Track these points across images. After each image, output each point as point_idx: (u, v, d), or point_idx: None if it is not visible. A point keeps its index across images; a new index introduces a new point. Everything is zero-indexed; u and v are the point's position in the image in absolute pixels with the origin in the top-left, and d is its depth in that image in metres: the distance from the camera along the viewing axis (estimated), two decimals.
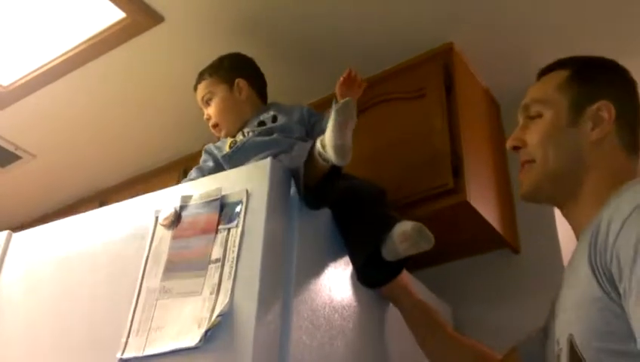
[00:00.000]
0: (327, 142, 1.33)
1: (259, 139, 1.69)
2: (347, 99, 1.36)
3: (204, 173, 1.71)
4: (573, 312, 0.99)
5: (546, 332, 1.21)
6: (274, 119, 1.75)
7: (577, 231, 1.13)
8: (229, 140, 1.74)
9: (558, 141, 1.17)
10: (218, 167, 1.72)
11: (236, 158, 1.67)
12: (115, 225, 1.54)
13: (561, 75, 1.22)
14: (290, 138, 1.68)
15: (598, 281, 0.92)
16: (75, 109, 2.42)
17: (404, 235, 1.40)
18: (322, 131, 1.39)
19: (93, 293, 1.45)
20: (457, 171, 1.83)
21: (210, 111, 1.84)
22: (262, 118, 1.77)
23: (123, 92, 2.34)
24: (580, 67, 1.22)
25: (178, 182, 2.41)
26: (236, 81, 1.85)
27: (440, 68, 2.01)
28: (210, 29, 2.07)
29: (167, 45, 2.12)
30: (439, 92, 1.96)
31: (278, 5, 1.98)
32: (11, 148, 2.63)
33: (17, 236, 1.72)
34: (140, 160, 2.67)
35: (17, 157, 2.68)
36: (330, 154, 1.33)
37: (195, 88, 1.89)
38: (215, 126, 1.83)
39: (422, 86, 2.01)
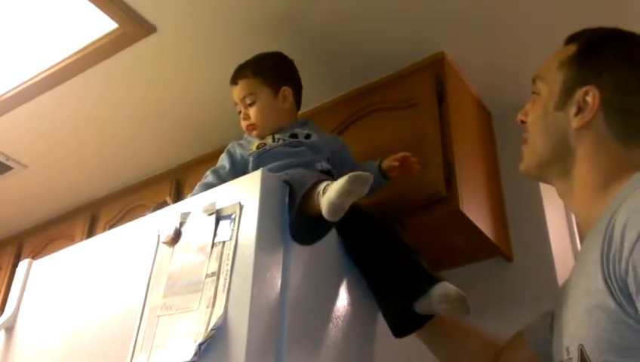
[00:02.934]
0: (327, 192, 1.31)
1: (287, 149, 1.71)
2: (367, 175, 1.31)
3: (221, 176, 1.71)
4: (585, 320, 0.93)
5: (553, 322, 1.15)
6: (307, 137, 1.76)
7: (579, 221, 1.09)
8: (257, 141, 1.75)
9: (545, 124, 1.13)
10: (235, 168, 1.72)
11: (261, 160, 1.68)
12: (122, 247, 1.58)
13: (569, 50, 1.14)
14: (316, 156, 1.71)
15: (611, 293, 0.87)
16: (67, 120, 2.42)
17: (447, 298, 1.39)
18: (344, 168, 1.36)
19: (102, 314, 1.48)
20: (450, 180, 1.83)
21: (251, 112, 1.80)
22: (296, 130, 1.78)
23: (115, 103, 2.34)
24: (587, 44, 1.13)
25: (170, 193, 2.43)
26: (282, 88, 1.83)
27: (432, 77, 2.01)
28: (202, 39, 2.07)
29: (160, 55, 2.12)
30: (431, 101, 1.97)
31: (270, 18, 1.98)
32: (2, 159, 2.62)
33: (37, 263, 1.78)
34: (131, 170, 2.66)
35: (9, 168, 2.67)
36: (324, 205, 1.30)
37: (234, 82, 1.84)
38: (251, 126, 1.80)
39: (414, 95, 2.02)
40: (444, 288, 1.41)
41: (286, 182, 1.42)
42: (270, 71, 1.84)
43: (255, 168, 1.65)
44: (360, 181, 1.29)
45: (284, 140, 1.74)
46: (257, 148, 1.72)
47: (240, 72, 1.85)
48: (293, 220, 1.36)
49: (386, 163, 1.72)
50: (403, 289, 1.44)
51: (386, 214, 1.62)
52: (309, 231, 1.38)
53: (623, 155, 1.04)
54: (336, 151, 1.82)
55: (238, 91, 1.83)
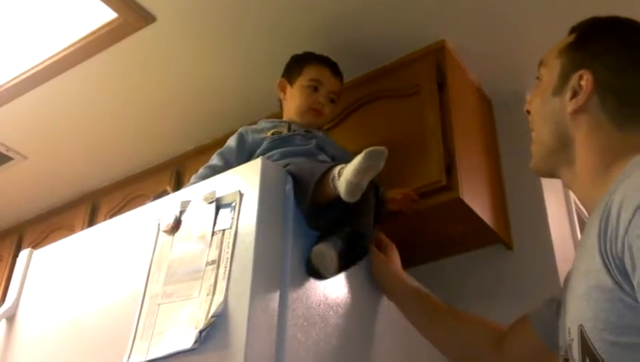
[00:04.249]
0: (343, 174, 1.31)
1: (298, 139, 1.75)
2: (382, 149, 1.30)
3: (225, 157, 1.74)
4: (584, 301, 0.93)
5: (559, 307, 1.15)
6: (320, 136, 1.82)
7: (585, 206, 1.09)
8: (273, 130, 1.77)
9: (545, 111, 1.13)
10: (242, 149, 1.75)
11: (273, 144, 1.72)
12: (123, 236, 1.58)
13: (568, 39, 1.15)
14: (320, 150, 1.74)
15: (609, 271, 0.87)
16: (68, 110, 2.42)
17: (319, 257, 1.35)
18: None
19: (103, 303, 1.49)
20: (450, 168, 1.83)
21: (327, 106, 1.88)
22: (312, 129, 1.83)
23: (115, 93, 2.34)
24: (584, 31, 1.14)
25: (170, 183, 2.43)
26: None
27: (432, 65, 2.01)
28: (202, 29, 2.06)
29: (159, 45, 2.12)
30: (432, 89, 1.97)
31: (268, 8, 1.98)
32: (3, 150, 2.62)
33: (37, 253, 1.78)
34: (132, 161, 2.66)
35: (9, 159, 2.68)
36: (342, 187, 1.30)
37: (337, 74, 1.92)
38: (319, 113, 1.86)
39: (415, 83, 2.01)
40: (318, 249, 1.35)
41: (290, 172, 1.43)
42: None
43: (265, 150, 1.70)
44: (375, 156, 1.29)
45: (299, 133, 1.77)
46: (272, 135, 1.75)
47: (338, 70, 1.94)
48: (308, 210, 1.37)
49: (391, 193, 1.75)
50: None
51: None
52: (325, 218, 1.39)
53: (621, 139, 1.04)
54: (343, 159, 1.83)
55: (336, 83, 1.91)
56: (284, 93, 1.92)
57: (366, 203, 1.46)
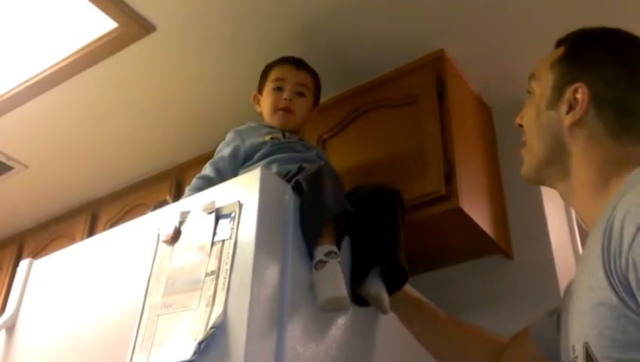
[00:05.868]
0: (318, 286, 1.33)
1: (299, 146, 1.77)
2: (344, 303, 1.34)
3: (219, 168, 1.72)
4: (588, 318, 0.92)
5: (559, 320, 1.15)
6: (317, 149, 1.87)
7: (584, 220, 1.09)
8: (270, 135, 1.77)
9: (539, 124, 1.13)
10: (236, 156, 1.74)
11: (274, 149, 1.72)
12: (122, 246, 1.58)
13: (558, 52, 1.15)
14: (321, 160, 1.78)
15: (613, 288, 0.86)
16: (68, 120, 2.42)
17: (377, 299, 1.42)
18: None
19: (103, 313, 1.49)
20: (449, 177, 1.83)
21: (297, 102, 1.86)
22: (303, 139, 1.85)
23: (115, 102, 2.34)
24: (575, 44, 1.15)
25: (170, 192, 2.43)
26: (316, 107, 1.96)
27: (432, 74, 2.02)
28: (201, 39, 2.07)
29: (159, 55, 2.13)
30: (431, 98, 1.97)
31: (268, 16, 1.99)
32: (3, 159, 2.63)
33: (37, 263, 1.78)
34: (132, 170, 2.67)
35: (9, 168, 2.68)
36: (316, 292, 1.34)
37: (299, 67, 1.90)
38: (288, 110, 1.84)
39: (414, 93, 2.02)
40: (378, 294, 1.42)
41: (295, 187, 1.43)
42: (318, 85, 1.95)
43: (268, 154, 1.70)
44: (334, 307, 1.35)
45: (293, 140, 1.79)
46: (271, 139, 1.75)
47: (303, 63, 1.91)
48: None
49: None
50: (355, 271, 1.47)
51: (383, 192, 1.61)
52: None
53: (619, 152, 1.04)
54: (321, 156, 1.88)
55: (300, 75, 1.89)
56: (259, 105, 1.93)
57: (391, 230, 1.53)
